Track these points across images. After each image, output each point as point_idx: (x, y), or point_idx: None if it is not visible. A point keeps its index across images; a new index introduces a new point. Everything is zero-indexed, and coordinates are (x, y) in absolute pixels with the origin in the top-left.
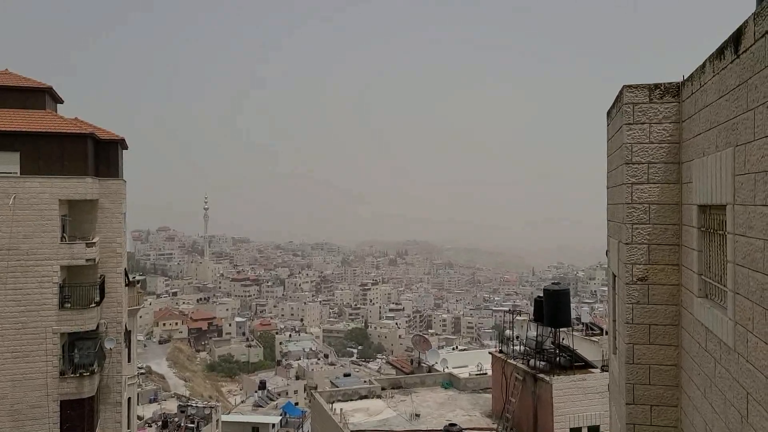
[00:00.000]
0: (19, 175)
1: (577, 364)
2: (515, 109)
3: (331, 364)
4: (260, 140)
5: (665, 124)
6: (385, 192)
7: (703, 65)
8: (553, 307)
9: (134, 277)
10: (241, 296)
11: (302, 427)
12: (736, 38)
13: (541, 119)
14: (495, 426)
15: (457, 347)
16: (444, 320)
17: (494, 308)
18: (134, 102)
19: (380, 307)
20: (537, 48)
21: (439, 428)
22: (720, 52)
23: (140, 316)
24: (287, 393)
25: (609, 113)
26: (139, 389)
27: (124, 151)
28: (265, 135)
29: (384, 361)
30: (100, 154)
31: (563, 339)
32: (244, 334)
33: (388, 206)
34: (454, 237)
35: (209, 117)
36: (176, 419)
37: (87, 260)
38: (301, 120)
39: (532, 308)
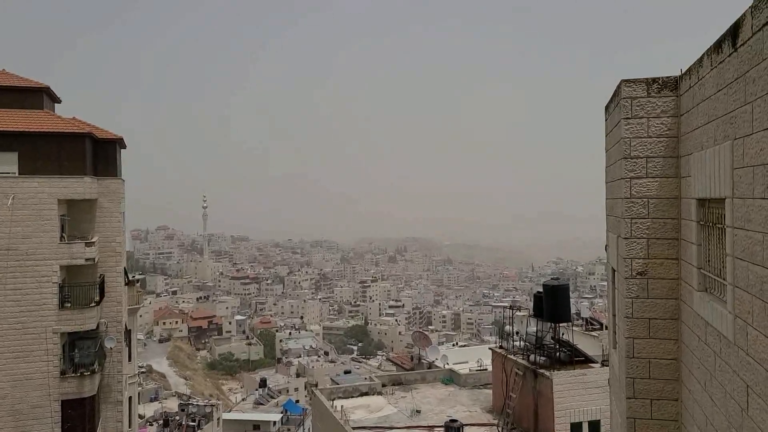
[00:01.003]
0: (17, 175)
1: (577, 359)
2: (515, 109)
3: (332, 361)
4: (259, 140)
5: (663, 118)
6: (385, 191)
7: (701, 59)
8: (552, 302)
9: (134, 276)
10: (241, 294)
11: (303, 424)
12: (734, 31)
13: (542, 119)
14: (496, 421)
15: (457, 343)
16: (444, 316)
17: (494, 304)
18: (133, 101)
19: (380, 304)
20: (537, 48)
21: (439, 424)
22: (718, 46)
23: (140, 315)
24: (288, 391)
25: (607, 108)
26: (140, 388)
27: (122, 150)
28: (265, 135)
29: (384, 358)
30: (99, 154)
31: (563, 334)
32: (244, 332)
33: (387, 205)
34: (453, 234)
35: (209, 117)
36: (177, 418)
37: (86, 260)
38: (300, 120)
39: (532, 304)
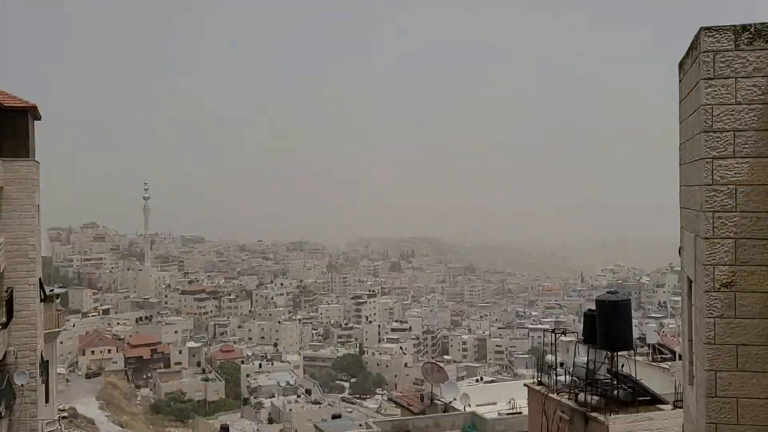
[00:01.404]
0: None
1: (641, 398)
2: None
3: (316, 402)
4: (227, 113)
5: (757, 78)
6: (385, 190)
7: None
8: (608, 323)
9: (52, 290)
10: (195, 314)
11: None
12: None
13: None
14: None
15: (481, 378)
16: (464, 343)
17: (530, 326)
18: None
19: (379, 327)
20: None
21: None
22: None
23: (61, 342)
24: None
25: (681, 65)
26: None
27: (36, 122)
28: (243, 109)
29: (386, 398)
30: (4, 127)
31: (623, 366)
32: (199, 364)
33: (387, 203)
34: (470, 232)
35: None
36: None
37: None
38: (300, 120)
39: (582, 326)
